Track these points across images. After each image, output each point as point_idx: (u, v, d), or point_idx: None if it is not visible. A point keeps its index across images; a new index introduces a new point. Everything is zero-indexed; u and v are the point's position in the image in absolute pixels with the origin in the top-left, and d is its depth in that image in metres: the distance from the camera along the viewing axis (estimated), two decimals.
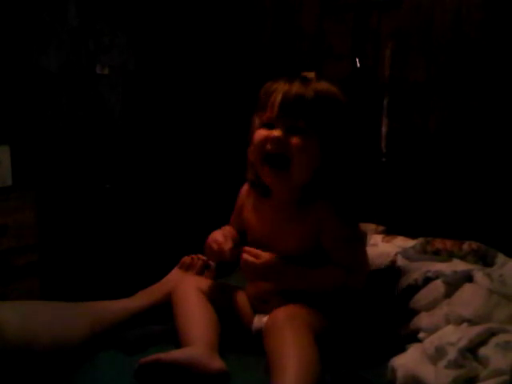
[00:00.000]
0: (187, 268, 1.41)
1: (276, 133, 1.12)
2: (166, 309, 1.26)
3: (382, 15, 1.85)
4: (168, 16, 2.24)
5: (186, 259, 1.43)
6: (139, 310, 1.27)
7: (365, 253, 1.22)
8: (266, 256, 1.13)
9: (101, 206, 2.13)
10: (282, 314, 1.06)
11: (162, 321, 1.26)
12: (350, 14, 1.91)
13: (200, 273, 1.40)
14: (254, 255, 1.13)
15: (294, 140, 1.11)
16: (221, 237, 1.19)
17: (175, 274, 1.40)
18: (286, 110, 1.11)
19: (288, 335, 0.99)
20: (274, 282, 1.17)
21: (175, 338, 1.13)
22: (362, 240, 1.24)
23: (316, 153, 1.13)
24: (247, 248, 1.16)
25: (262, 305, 1.21)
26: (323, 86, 1.14)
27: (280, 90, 1.12)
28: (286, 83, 1.13)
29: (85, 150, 2.10)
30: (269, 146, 1.13)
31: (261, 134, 1.15)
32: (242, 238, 1.28)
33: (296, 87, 1.12)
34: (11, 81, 1.91)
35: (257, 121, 1.18)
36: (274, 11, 2.07)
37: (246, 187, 1.31)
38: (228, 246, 1.16)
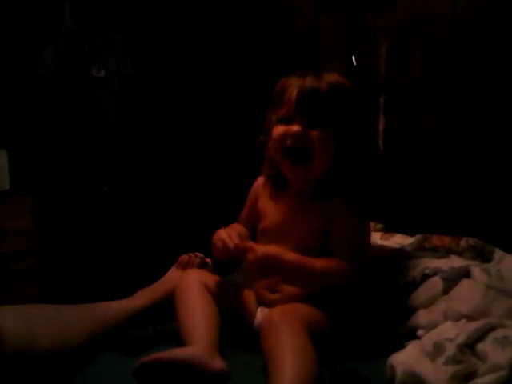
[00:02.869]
0: (185, 266, 1.41)
1: (296, 128, 1.15)
2: (166, 308, 1.26)
3: (378, 13, 1.85)
4: (164, 18, 2.25)
5: (184, 258, 1.43)
6: (139, 310, 1.27)
7: (368, 249, 1.24)
8: (260, 249, 1.11)
9: (99, 209, 2.13)
10: (278, 312, 1.06)
11: (163, 321, 1.26)
12: (345, 12, 1.91)
13: None
14: (249, 250, 1.11)
15: (314, 133, 1.15)
16: (225, 234, 1.19)
17: (173, 272, 1.41)
18: (302, 106, 1.14)
19: (284, 335, 0.99)
20: (274, 275, 1.15)
21: (176, 338, 1.13)
22: (368, 236, 1.25)
23: (334, 144, 1.16)
24: (245, 243, 1.14)
25: (270, 295, 1.21)
26: (335, 77, 1.18)
27: (295, 85, 1.15)
28: (299, 78, 1.16)
29: (82, 153, 2.11)
30: (289, 141, 1.16)
31: (280, 129, 1.18)
32: (253, 236, 1.30)
33: (310, 81, 1.14)
34: (7, 84, 1.91)
35: (272, 117, 1.20)
36: (269, 10, 2.07)
37: (260, 180, 1.33)
38: (233, 242, 1.15)
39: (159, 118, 2.28)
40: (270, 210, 1.27)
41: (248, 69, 2.13)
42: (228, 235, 1.17)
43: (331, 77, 1.17)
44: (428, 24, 1.77)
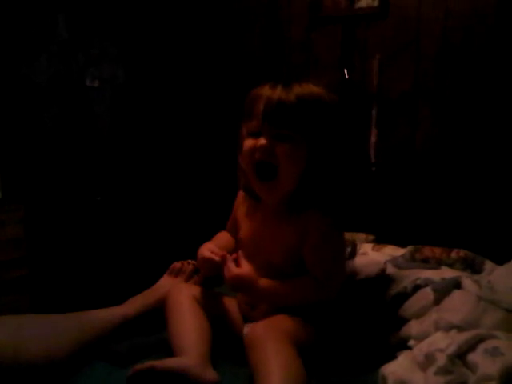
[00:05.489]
0: (177, 274, 1.41)
1: (262, 141, 1.12)
2: (156, 317, 1.26)
3: (369, 27, 1.88)
4: (157, 28, 2.26)
5: (176, 265, 1.43)
6: (129, 317, 1.26)
7: (342, 265, 1.21)
8: (235, 271, 1.12)
9: (92, 218, 2.13)
10: (262, 326, 1.06)
11: (153, 330, 1.26)
12: (337, 26, 1.94)
13: (190, 277, 1.40)
14: (227, 268, 1.13)
15: (280, 148, 1.12)
16: (207, 253, 1.20)
17: (165, 280, 1.40)
18: (269, 119, 1.11)
19: (270, 348, 0.99)
20: (245, 295, 1.19)
21: (167, 349, 1.13)
22: (342, 252, 1.23)
23: (303, 156, 1.13)
24: (226, 259, 1.16)
25: (251, 311, 1.22)
26: (306, 89, 1.13)
27: (263, 97, 1.12)
28: (268, 89, 1.13)
29: (75, 163, 2.10)
30: (257, 155, 1.14)
31: (248, 143, 1.16)
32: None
33: (278, 93, 1.11)
34: (0, 94, 1.91)
35: (244, 129, 1.18)
36: (262, 23, 2.09)
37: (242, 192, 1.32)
38: (217, 258, 1.16)
39: (153, 127, 2.29)
40: (246, 221, 1.27)
41: (241, 81, 2.14)
42: (210, 251, 1.19)
43: (303, 88, 1.13)
44: (419, 37, 1.80)
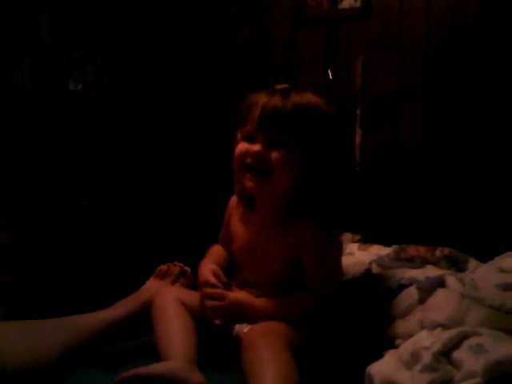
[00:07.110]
0: (163, 276, 1.41)
1: (256, 147, 1.13)
2: (143, 320, 1.25)
3: (352, 27, 1.89)
4: (142, 31, 2.25)
5: (162, 267, 1.43)
6: (115, 321, 1.25)
7: (340, 274, 1.23)
8: (230, 297, 1.14)
9: (77, 223, 2.11)
10: (258, 330, 1.07)
11: (140, 333, 1.25)
12: (321, 27, 1.94)
13: (176, 280, 1.40)
14: (218, 297, 1.14)
15: (274, 154, 1.12)
16: (212, 278, 1.18)
17: (151, 283, 1.40)
18: (264, 124, 1.12)
19: (265, 352, 0.99)
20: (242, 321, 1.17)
21: (154, 352, 1.13)
22: (339, 259, 1.24)
23: (297, 165, 1.14)
24: (210, 291, 1.16)
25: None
26: (304, 98, 1.14)
27: (260, 103, 1.13)
28: (266, 96, 1.14)
29: (60, 167, 2.09)
30: (249, 160, 1.14)
31: (241, 147, 1.16)
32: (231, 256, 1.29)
33: (275, 100, 1.12)
34: None
35: (238, 134, 1.19)
36: (247, 24, 2.10)
37: (234, 199, 1.31)
38: (220, 286, 1.17)
39: (138, 130, 2.28)
40: (240, 232, 1.26)
41: (227, 84, 2.14)
42: (213, 273, 1.18)
43: (301, 97, 1.13)
44: (402, 37, 1.81)
